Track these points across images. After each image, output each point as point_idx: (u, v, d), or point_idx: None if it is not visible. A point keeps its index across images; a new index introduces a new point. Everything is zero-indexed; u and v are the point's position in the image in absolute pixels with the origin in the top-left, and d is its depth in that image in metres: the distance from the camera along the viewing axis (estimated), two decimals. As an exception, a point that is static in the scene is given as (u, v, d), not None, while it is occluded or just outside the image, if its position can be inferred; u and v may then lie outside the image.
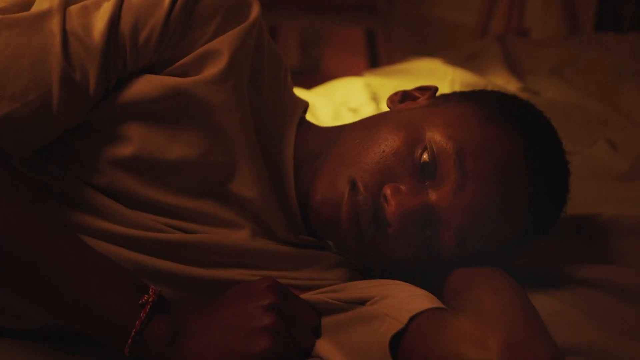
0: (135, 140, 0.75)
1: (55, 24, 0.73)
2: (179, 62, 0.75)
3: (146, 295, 0.70)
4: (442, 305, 0.71)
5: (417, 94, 0.85)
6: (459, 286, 0.75)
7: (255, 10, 0.78)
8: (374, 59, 2.71)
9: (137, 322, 0.68)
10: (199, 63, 0.75)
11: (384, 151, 0.76)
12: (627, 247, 0.91)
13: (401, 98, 0.85)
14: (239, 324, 0.71)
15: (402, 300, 0.72)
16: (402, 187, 0.75)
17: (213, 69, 0.75)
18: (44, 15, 0.73)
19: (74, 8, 0.75)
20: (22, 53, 0.71)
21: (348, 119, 1.25)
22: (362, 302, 0.75)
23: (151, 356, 0.69)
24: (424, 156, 0.75)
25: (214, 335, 0.71)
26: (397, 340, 0.68)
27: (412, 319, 0.68)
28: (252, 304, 0.72)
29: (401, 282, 0.77)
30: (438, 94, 0.86)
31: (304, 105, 0.88)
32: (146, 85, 0.75)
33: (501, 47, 1.57)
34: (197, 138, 0.76)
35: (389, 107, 0.85)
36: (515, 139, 0.76)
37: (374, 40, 2.76)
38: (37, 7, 0.75)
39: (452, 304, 0.72)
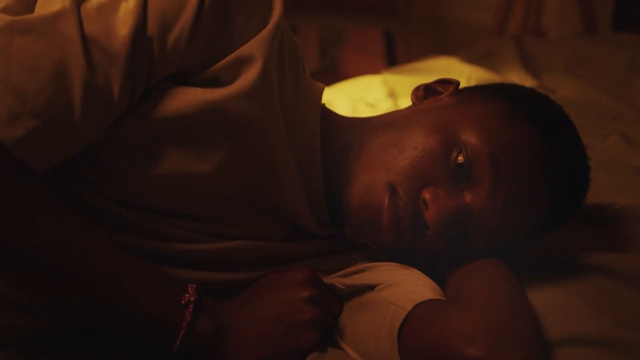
0: (170, 157, 0.72)
1: (71, 29, 0.67)
2: (212, 69, 0.71)
3: (187, 295, 0.71)
4: (441, 297, 0.75)
5: (439, 88, 0.85)
6: (458, 276, 0.78)
7: (278, 6, 0.75)
8: (392, 60, 2.73)
9: (183, 323, 0.70)
10: (233, 70, 0.72)
11: (421, 156, 0.77)
12: (639, 235, 0.93)
13: (424, 93, 0.85)
14: (283, 317, 0.74)
15: (407, 289, 0.76)
16: (440, 192, 0.76)
17: (247, 78, 0.72)
18: (58, 17, 0.68)
19: (89, 7, 0.69)
20: (40, 65, 0.66)
21: (366, 114, 1.27)
22: (371, 287, 0.79)
23: (197, 352, 0.72)
24: (460, 159, 0.76)
25: (257, 328, 0.73)
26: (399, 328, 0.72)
27: (414, 308, 0.72)
28: (292, 296, 0.75)
29: (409, 268, 0.80)
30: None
31: (322, 90, 0.86)
32: (181, 101, 0.71)
33: (516, 45, 1.59)
34: (232, 152, 0.74)
35: (413, 102, 0.85)
36: (540, 139, 0.78)
37: (392, 41, 2.78)
38: (46, 6, 0.69)
39: (449, 294, 0.76)
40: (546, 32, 2.23)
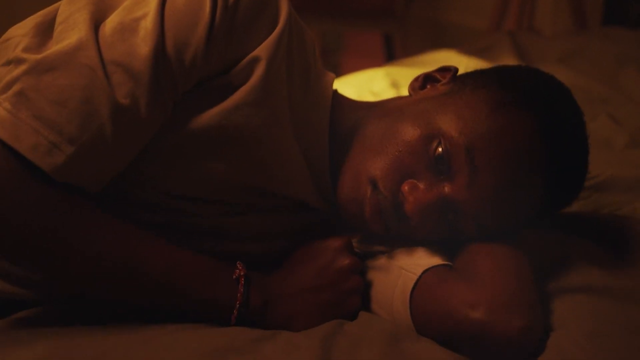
0: (193, 159, 0.77)
1: (92, 57, 0.71)
2: (230, 73, 0.76)
3: (237, 270, 0.77)
4: (450, 263, 0.80)
5: (438, 76, 0.87)
6: (467, 252, 0.82)
7: (284, 8, 0.79)
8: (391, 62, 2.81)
9: (238, 295, 0.76)
10: (246, 71, 0.76)
11: (401, 150, 0.80)
12: (625, 201, 1.02)
13: (422, 83, 0.87)
14: (329, 287, 0.79)
15: (417, 256, 0.81)
16: (419, 184, 0.79)
17: (254, 79, 0.76)
18: (77, 49, 0.71)
19: (109, 32, 0.73)
20: (67, 96, 0.70)
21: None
22: (382, 252, 0.85)
23: (251, 321, 0.77)
24: (438, 150, 0.79)
25: (304, 297, 0.78)
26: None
27: (423, 273, 0.78)
28: (335, 265, 0.80)
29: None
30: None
31: (333, 79, 0.91)
32: (199, 116, 0.75)
33: (511, 40, 1.68)
34: (241, 153, 0.78)
35: (409, 93, 0.88)
36: (527, 123, 0.78)
37: (392, 44, 2.87)
38: (64, 37, 0.73)
39: (457, 266, 0.80)
40: (540, 31, 2.33)
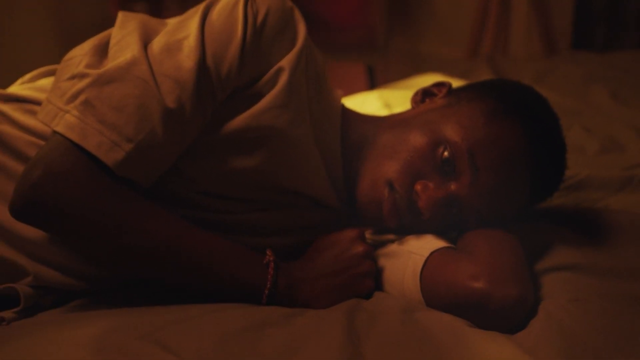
0: (227, 157, 0.89)
1: (144, 71, 0.84)
2: (258, 83, 0.88)
3: (267, 256, 0.87)
4: (453, 246, 0.93)
5: (434, 90, 1.00)
6: (467, 236, 0.95)
7: (302, 29, 0.92)
8: (375, 91, 2.96)
9: (268, 277, 0.86)
10: (272, 81, 0.89)
11: (412, 155, 0.93)
12: (598, 198, 1.16)
13: (422, 97, 1.00)
14: (345, 271, 0.89)
15: (424, 240, 0.94)
16: (430, 184, 0.92)
17: (279, 86, 0.88)
18: (132, 65, 0.84)
19: (157, 50, 0.86)
20: (125, 103, 0.82)
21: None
22: (392, 240, 0.97)
23: (279, 301, 0.87)
24: (445, 154, 0.91)
25: (324, 281, 0.88)
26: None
27: (431, 254, 0.90)
28: (350, 252, 0.90)
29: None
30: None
31: (341, 96, 1.03)
32: (233, 119, 0.88)
33: (489, 64, 1.83)
34: (270, 152, 0.90)
35: (412, 106, 1.01)
36: (517, 130, 0.91)
37: (374, 74, 3.03)
38: (118, 55, 0.86)
39: (459, 247, 0.93)
40: (514, 56, 2.49)
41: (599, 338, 0.78)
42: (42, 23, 2.07)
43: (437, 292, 0.89)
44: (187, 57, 0.86)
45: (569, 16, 2.52)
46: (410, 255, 0.92)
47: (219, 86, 0.87)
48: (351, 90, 1.77)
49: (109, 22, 0.95)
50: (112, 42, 0.89)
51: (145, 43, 0.87)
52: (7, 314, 0.86)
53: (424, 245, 0.92)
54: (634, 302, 0.85)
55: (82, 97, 0.83)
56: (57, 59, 0.95)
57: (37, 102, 0.92)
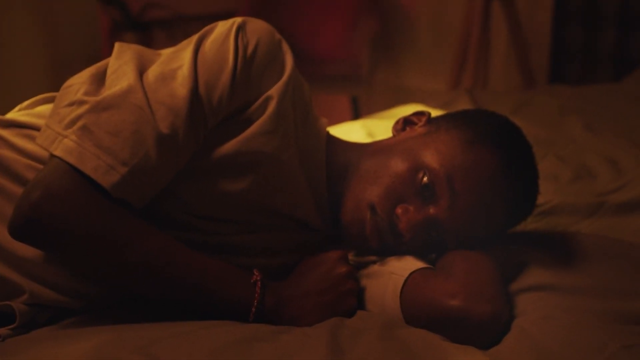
0: (215, 180, 0.93)
1: (140, 99, 0.88)
2: (248, 111, 0.93)
3: (254, 275, 0.91)
4: (432, 267, 0.98)
5: (414, 119, 1.05)
6: (445, 257, 0.99)
7: (289, 60, 0.97)
8: (359, 122, 3.03)
9: (256, 295, 0.89)
10: (261, 109, 0.94)
11: (393, 181, 0.97)
12: (571, 222, 1.22)
13: (402, 125, 1.05)
14: (330, 290, 0.93)
15: (404, 262, 0.98)
16: (410, 207, 0.96)
17: (267, 113, 0.93)
18: (129, 93, 0.88)
19: (152, 79, 0.90)
20: (121, 128, 0.86)
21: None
22: (374, 262, 1.01)
23: (266, 320, 0.90)
24: (424, 180, 0.96)
25: (310, 299, 0.92)
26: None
27: (410, 275, 0.95)
28: (334, 272, 0.94)
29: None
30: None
31: (326, 124, 1.06)
32: (223, 145, 0.92)
33: (469, 97, 1.90)
34: (257, 176, 0.94)
35: (393, 134, 1.05)
36: (492, 157, 0.96)
37: (358, 105, 3.10)
38: (115, 84, 0.90)
39: (438, 267, 0.98)
40: (493, 89, 2.58)
41: (567, 351, 0.83)
42: (35, 53, 2.12)
43: (417, 310, 0.93)
44: (181, 85, 0.90)
45: (546, 52, 2.61)
46: (391, 275, 0.97)
47: (210, 113, 0.92)
48: (336, 121, 1.82)
49: (100, 53, 1.00)
50: (109, 71, 0.93)
51: (141, 72, 0.92)
52: (3, 330, 0.90)
53: (404, 266, 0.97)
54: (600, 316, 0.90)
55: (80, 123, 0.88)
56: (50, 89, 0.99)
57: (35, 128, 0.96)
